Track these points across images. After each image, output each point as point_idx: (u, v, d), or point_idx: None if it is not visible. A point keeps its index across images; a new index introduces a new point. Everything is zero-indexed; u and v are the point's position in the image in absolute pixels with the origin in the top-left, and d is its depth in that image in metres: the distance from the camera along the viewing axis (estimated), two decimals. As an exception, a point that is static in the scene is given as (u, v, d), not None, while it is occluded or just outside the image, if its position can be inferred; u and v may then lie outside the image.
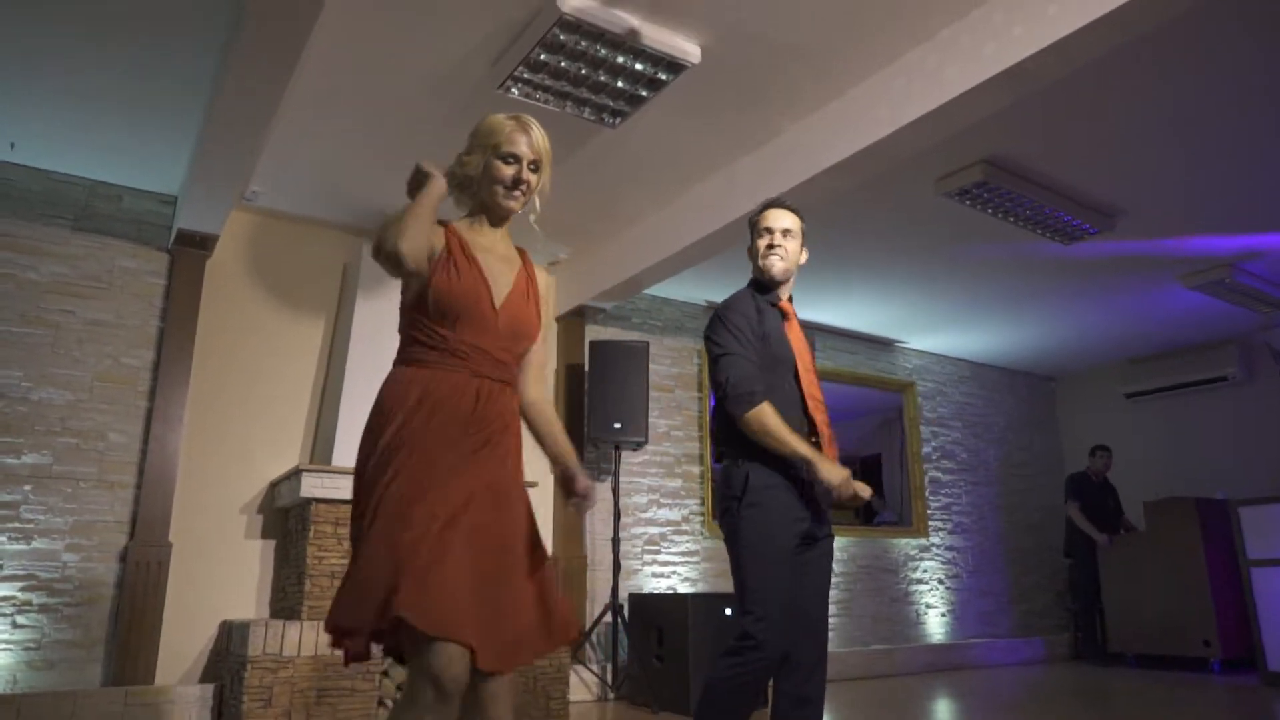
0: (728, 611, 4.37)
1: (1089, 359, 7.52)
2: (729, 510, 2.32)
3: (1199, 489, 6.60)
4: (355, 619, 1.56)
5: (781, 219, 2.47)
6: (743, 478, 2.29)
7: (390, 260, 1.66)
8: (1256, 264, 5.25)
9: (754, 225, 2.51)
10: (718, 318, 2.41)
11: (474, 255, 1.80)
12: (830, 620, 5.91)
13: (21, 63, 3.14)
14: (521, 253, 1.95)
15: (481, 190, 1.85)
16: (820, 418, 2.38)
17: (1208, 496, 6.29)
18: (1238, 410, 6.87)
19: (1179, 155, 3.93)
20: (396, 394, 1.72)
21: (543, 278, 5.09)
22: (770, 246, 2.45)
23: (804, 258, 2.52)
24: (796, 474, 2.27)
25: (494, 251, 1.86)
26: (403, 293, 1.82)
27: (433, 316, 1.75)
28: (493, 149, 1.82)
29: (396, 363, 1.80)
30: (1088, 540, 6.66)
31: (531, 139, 1.84)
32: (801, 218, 2.52)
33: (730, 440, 2.35)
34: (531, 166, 1.84)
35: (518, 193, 1.84)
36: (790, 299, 2.53)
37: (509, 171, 1.82)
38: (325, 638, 3.57)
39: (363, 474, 1.70)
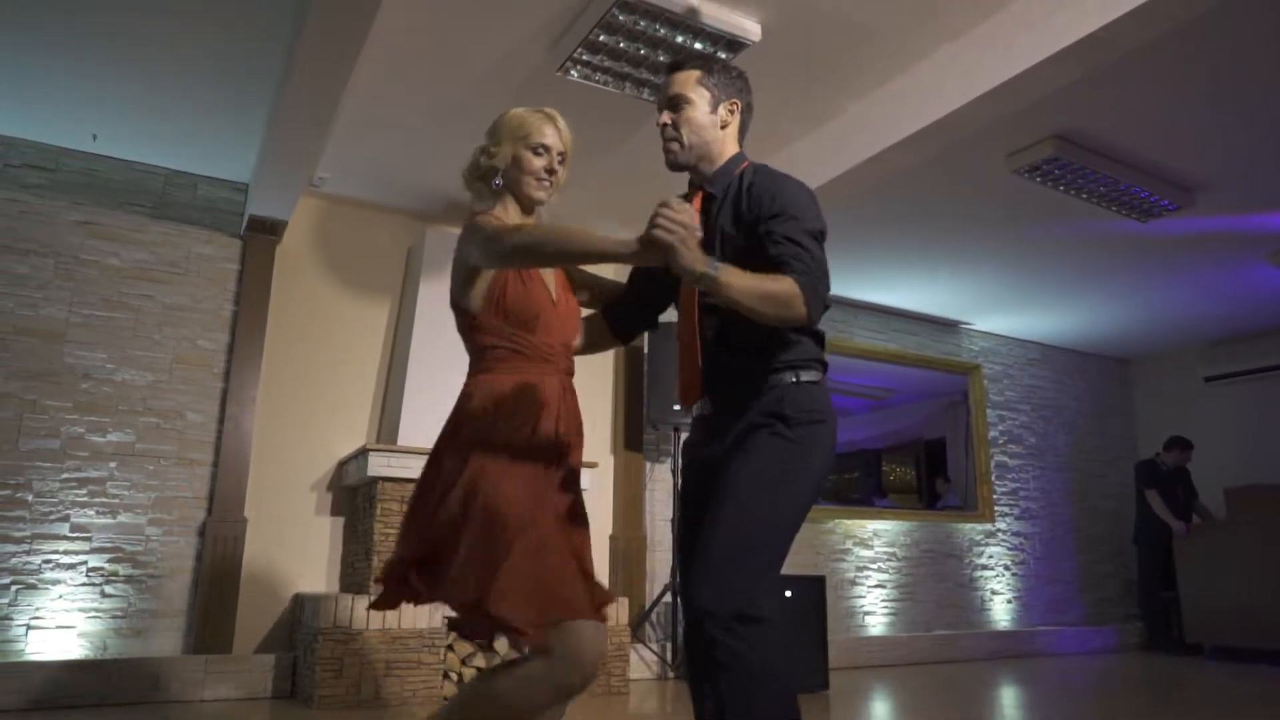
0: (788, 593, 4.33)
1: (1166, 341, 7.24)
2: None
3: (1283, 476, 6.33)
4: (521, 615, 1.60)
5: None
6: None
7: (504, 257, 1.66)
8: (1350, 240, 4.99)
9: None
10: None
11: None
12: (893, 605, 5.90)
13: (101, 59, 3.26)
14: None
15: (510, 182, 1.85)
16: None
17: (1293, 484, 6.03)
18: (1327, 394, 6.57)
19: (1265, 126, 3.74)
20: (497, 398, 1.74)
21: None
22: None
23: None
24: None
25: None
26: (464, 300, 1.81)
27: (513, 323, 1.77)
28: (522, 140, 1.83)
29: (479, 372, 1.78)
30: (1161, 527, 6.44)
31: (560, 131, 1.87)
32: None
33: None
34: (559, 158, 1.87)
35: (548, 183, 1.86)
36: None
37: (540, 163, 1.84)
38: (394, 612, 3.67)
39: (478, 473, 1.69)
